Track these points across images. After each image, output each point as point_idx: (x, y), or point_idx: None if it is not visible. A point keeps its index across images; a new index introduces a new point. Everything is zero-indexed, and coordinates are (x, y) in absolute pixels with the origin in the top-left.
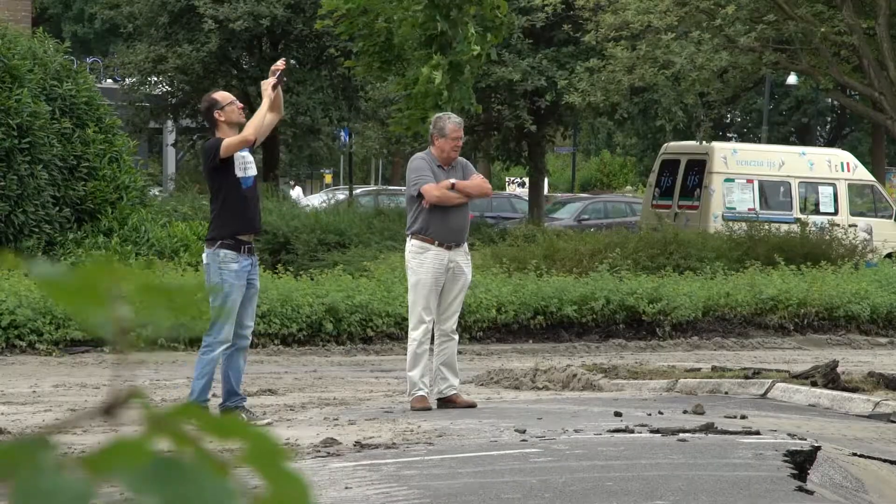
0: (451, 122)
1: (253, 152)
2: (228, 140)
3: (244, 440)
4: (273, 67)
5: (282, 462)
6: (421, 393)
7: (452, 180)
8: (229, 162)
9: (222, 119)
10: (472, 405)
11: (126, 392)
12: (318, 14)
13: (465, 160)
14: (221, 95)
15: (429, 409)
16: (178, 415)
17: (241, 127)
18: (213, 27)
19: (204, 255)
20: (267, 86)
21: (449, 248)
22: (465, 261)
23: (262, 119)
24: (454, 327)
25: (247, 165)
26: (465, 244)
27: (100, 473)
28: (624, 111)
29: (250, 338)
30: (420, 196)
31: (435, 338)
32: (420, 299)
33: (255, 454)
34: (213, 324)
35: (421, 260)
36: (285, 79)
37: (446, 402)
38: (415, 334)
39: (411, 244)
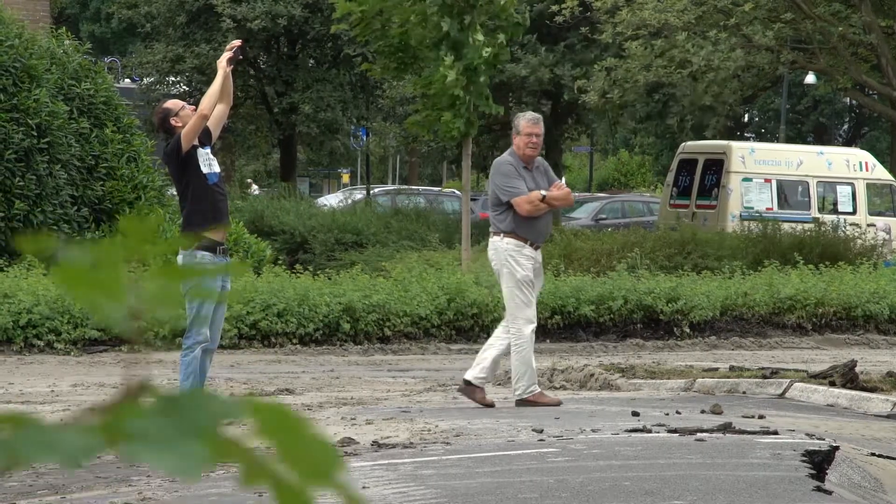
0: (524, 118)
1: (214, 153)
2: (185, 129)
3: (255, 415)
4: (230, 45)
5: (300, 429)
6: (539, 389)
7: (543, 192)
8: (194, 159)
9: (179, 125)
10: (491, 404)
11: (137, 385)
12: (333, 17)
13: (545, 163)
14: (172, 103)
15: (559, 403)
16: (189, 398)
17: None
18: (231, 27)
19: (179, 257)
20: (223, 60)
21: (536, 248)
22: (541, 261)
23: (216, 96)
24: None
25: (210, 161)
26: None
27: (108, 430)
28: (638, 112)
29: (218, 340)
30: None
31: (500, 330)
32: (527, 295)
33: (268, 426)
34: (190, 326)
35: (519, 257)
36: (241, 57)
37: (469, 391)
38: (526, 331)
39: (506, 242)
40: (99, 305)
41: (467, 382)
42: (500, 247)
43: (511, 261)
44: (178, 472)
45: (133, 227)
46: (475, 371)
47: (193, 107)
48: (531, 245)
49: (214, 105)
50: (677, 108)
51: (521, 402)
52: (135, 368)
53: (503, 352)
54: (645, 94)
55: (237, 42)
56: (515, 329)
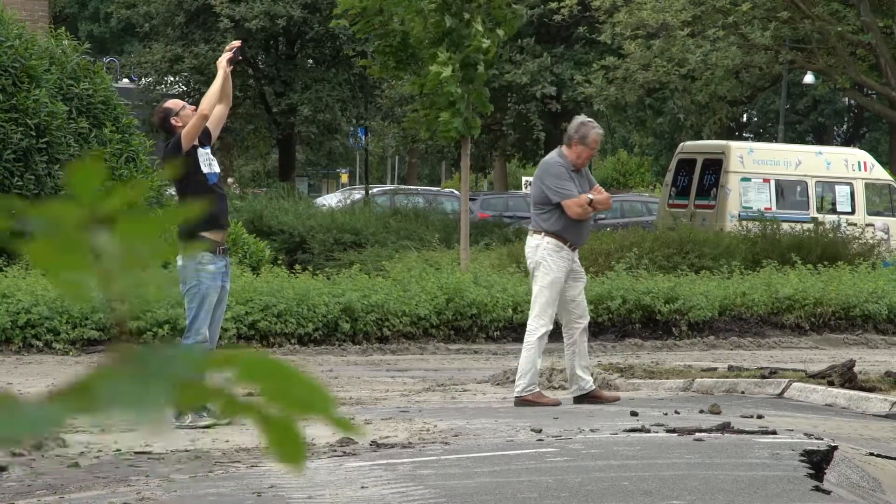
0: (594, 131)
1: (213, 153)
2: (185, 129)
3: (235, 365)
4: (229, 45)
5: (285, 371)
6: (538, 389)
7: (591, 196)
8: (194, 159)
9: (179, 125)
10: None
11: (116, 354)
12: (334, 13)
13: (585, 167)
14: (173, 103)
15: (558, 404)
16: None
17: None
18: (230, 26)
19: (178, 258)
20: (223, 60)
21: (574, 249)
22: (579, 260)
23: (215, 97)
24: (587, 321)
25: (211, 161)
26: None
27: (78, 397)
28: (634, 114)
29: (217, 339)
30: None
31: (566, 338)
32: (554, 296)
33: (250, 373)
34: (190, 325)
35: (556, 258)
36: (240, 58)
37: (588, 399)
38: (543, 331)
39: (546, 241)
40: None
41: (581, 397)
42: (540, 245)
43: (548, 260)
44: (140, 418)
45: (80, 177)
46: (580, 383)
47: (193, 107)
48: (570, 247)
49: (214, 105)
50: (672, 107)
51: (520, 401)
52: (118, 339)
53: (575, 349)
54: (644, 94)
55: (237, 42)
56: (533, 327)
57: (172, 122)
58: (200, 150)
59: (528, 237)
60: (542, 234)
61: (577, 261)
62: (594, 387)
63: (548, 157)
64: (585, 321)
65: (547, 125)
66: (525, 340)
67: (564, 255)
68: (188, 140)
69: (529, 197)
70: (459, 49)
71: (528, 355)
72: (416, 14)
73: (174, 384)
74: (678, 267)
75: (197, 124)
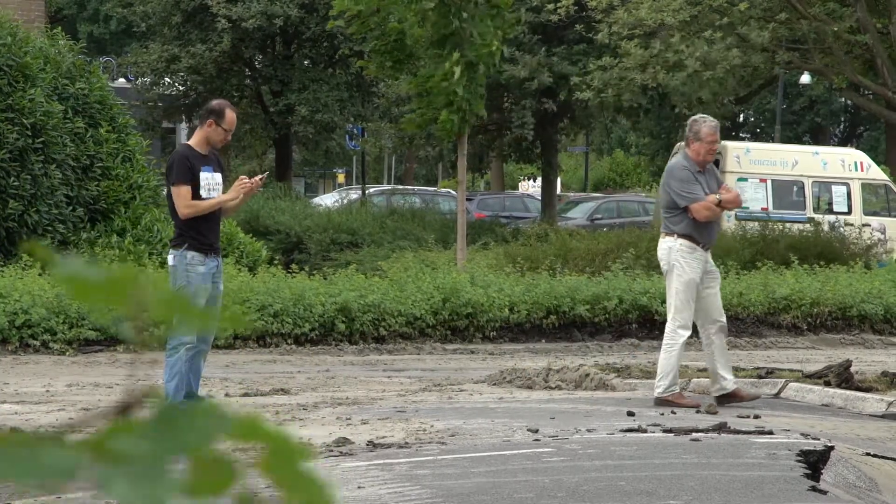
0: (706, 125)
1: (220, 171)
2: (187, 202)
3: (264, 441)
4: (258, 178)
5: (300, 465)
6: (679, 390)
7: (719, 197)
8: (196, 181)
9: (209, 130)
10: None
11: (141, 391)
12: (330, 14)
13: (713, 165)
14: (231, 117)
15: (699, 406)
16: (195, 414)
17: (213, 147)
18: (227, 26)
19: (170, 257)
20: (246, 185)
21: (707, 249)
22: (712, 260)
23: (211, 209)
24: (724, 322)
25: (212, 188)
26: None
27: (92, 451)
28: (634, 101)
29: (211, 340)
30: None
31: (703, 339)
32: (690, 298)
33: (273, 456)
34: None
35: (690, 260)
36: (260, 189)
37: (729, 398)
38: (683, 332)
39: (679, 243)
40: (101, 309)
41: (723, 397)
42: (673, 247)
43: (682, 261)
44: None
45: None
46: (721, 382)
47: (229, 130)
48: (702, 247)
49: (199, 214)
50: (675, 98)
51: (660, 402)
52: (135, 377)
53: (714, 349)
54: (641, 94)
55: (264, 176)
56: (671, 329)
57: (209, 122)
58: (204, 174)
59: (661, 240)
60: (675, 236)
61: (711, 261)
62: (736, 386)
63: (672, 160)
64: (721, 321)
65: (538, 128)
66: (664, 342)
67: (698, 256)
68: (176, 195)
69: (658, 202)
70: (461, 50)
71: (668, 357)
72: (415, 15)
73: (192, 464)
74: None
75: (181, 208)
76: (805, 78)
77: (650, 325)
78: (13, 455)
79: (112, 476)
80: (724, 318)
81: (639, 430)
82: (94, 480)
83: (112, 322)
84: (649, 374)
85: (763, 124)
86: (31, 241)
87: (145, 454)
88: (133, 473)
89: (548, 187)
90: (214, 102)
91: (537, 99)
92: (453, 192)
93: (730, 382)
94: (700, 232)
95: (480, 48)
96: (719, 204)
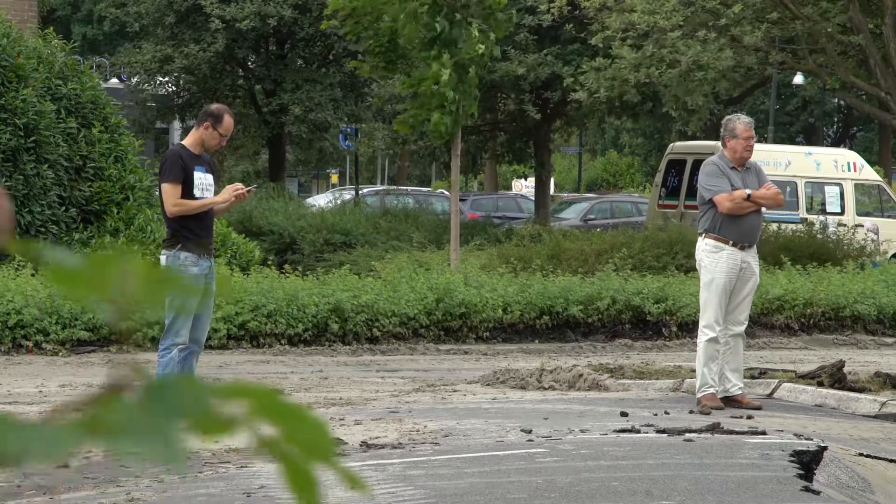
0: (741, 122)
1: (213, 173)
2: (175, 200)
3: (253, 397)
4: (250, 188)
5: (291, 407)
6: (712, 390)
7: (749, 191)
8: (189, 180)
9: (205, 132)
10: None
11: (126, 370)
12: (325, 14)
13: (757, 164)
14: (228, 122)
15: (722, 408)
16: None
17: (206, 150)
18: (220, 27)
19: (162, 258)
20: (240, 192)
21: (742, 248)
22: (755, 262)
23: (199, 209)
24: (743, 327)
25: (205, 188)
26: (755, 245)
27: (90, 424)
28: (633, 98)
29: (204, 341)
30: (712, 201)
31: (721, 337)
32: (713, 297)
33: (264, 403)
34: (169, 327)
35: (715, 259)
36: (249, 196)
37: (731, 402)
38: (709, 332)
39: (705, 243)
40: (89, 303)
41: (728, 399)
42: (700, 247)
43: (705, 260)
44: (164, 460)
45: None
46: (725, 384)
47: (225, 135)
48: (734, 245)
49: (186, 214)
50: (669, 97)
51: (697, 402)
52: (121, 363)
53: (728, 349)
54: (636, 93)
55: (254, 188)
56: (700, 328)
57: (206, 124)
58: (198, 175)
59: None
60: (703, 234)
61: (751, 261)
62: (740, 391)
63: (708, 158)
64: (742, 326)
65: (532, 128)
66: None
67: (727, 255)
68: (164, 191)
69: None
70: (451, 51)
71: (697, 357)
72: (407, 15)
73: (191, 418)
74: (668, 267)
75: (169, 206)
76: (798, 78)
77: (643, 325)
78: (9, 434)
79: (120, 443)
80: (745, 325)
81: (632, 430)
82: (106, 449)
83: (98, 308)
84: (642, 374)
85: (756, 125)
86: (22, 241)
87: (143, 420)
88: (138, 433)
89: (541, 188)
90: (214, 106)
91: (534, 97)
92: (447, 193)
93: (735, 387)
94: (728, 229)
95: (471, 50)
96: (750, 198)
